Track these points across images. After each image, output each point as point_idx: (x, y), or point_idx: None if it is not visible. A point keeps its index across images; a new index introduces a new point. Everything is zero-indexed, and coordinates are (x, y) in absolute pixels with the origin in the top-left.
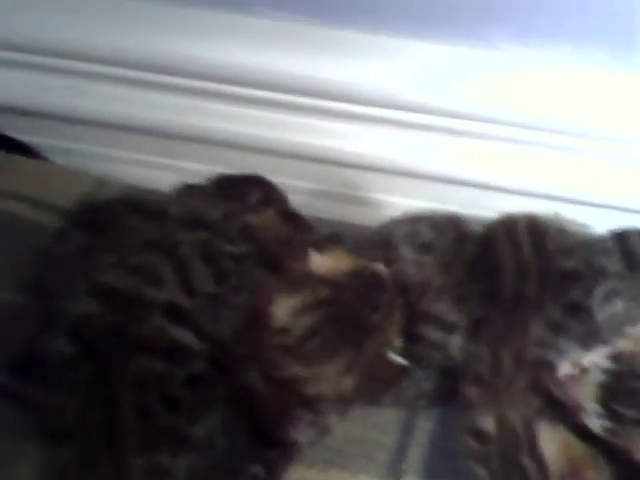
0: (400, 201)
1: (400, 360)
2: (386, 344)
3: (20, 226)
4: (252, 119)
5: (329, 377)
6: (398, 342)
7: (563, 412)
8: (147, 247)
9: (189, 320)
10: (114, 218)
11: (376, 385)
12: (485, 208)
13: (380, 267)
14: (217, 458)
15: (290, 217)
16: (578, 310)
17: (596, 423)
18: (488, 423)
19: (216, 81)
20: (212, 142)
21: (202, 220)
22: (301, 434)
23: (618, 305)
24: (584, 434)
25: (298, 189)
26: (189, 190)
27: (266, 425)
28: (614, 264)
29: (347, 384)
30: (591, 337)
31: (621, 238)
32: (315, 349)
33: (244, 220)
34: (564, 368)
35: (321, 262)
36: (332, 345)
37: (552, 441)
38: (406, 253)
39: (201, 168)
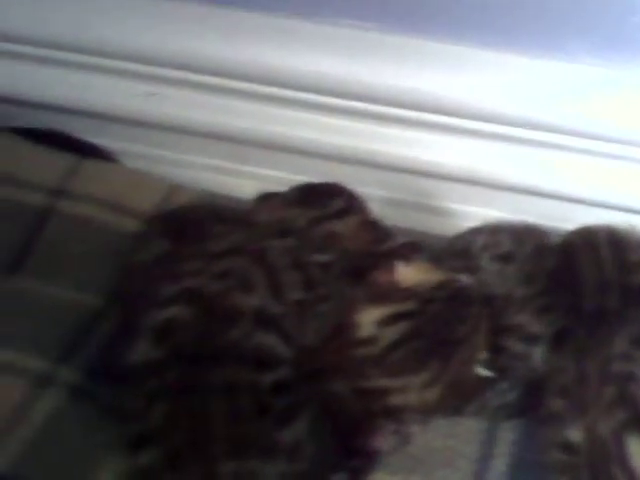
0: (477, 211)
1: (486, 372)
2: (472, 357)
3: (96, 230)
4: (331, 127)
5: (414, 388)
6: (484, 354)
7: None
8: (235, 253)
9: (277, 326)
10: (197, 225)
11: (460, 397)
12: (561, 220)
13: (465, 278)
14: (304, 465)
15: (372, 225)
16: None
17: None
18: (576, 435)
19: (296, 89)
20: (289, 150)
21: (289, 227)
22: (384, 443)
23: None
24: None
25: (375, 197)
26: (271, 198)
27: (350, 433)
28: None
29: (432, 396)
30: None
31: None
32: (401, 360)
33: (328, 228)
34: None
35: (407, 274)
36: (418, 357)
37: None
38: (487, 263)
39: (276, 175)
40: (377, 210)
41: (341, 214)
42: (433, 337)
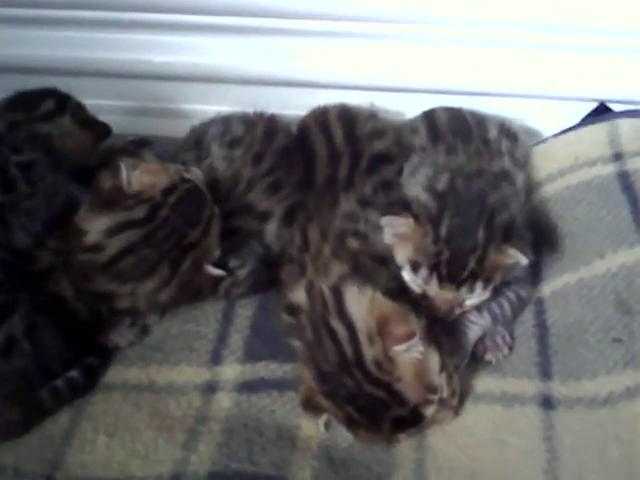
0: (214, 109)
1: (217, 271)
2: (204, 257)
3: None
4: (57, 40)
5: (144, 293)
6: (217, 252)
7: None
8: None
9: None
10: None
11: (192, 295)
12: (301, 107)
13: (197, 173)
14: (22, 362)
15: (88, 124)
16: (389, 187)
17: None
18: (299, 296)
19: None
20: (24, 70)
21: None
22: (121, 338)
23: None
24: (393, 292)
25: (114, 108)
26: None
27: (82, 332)
28: (420, 139)
29: (162, 297)
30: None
31: (427, 116)
32: (129, 267)
33: (34, 129)
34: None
35: (134, 178)
36: (148, 264)
37: (359, 303)
38: (216, 150)
39: None
40: (117, 121)
41: (51, 115)
42: (162, 244)
